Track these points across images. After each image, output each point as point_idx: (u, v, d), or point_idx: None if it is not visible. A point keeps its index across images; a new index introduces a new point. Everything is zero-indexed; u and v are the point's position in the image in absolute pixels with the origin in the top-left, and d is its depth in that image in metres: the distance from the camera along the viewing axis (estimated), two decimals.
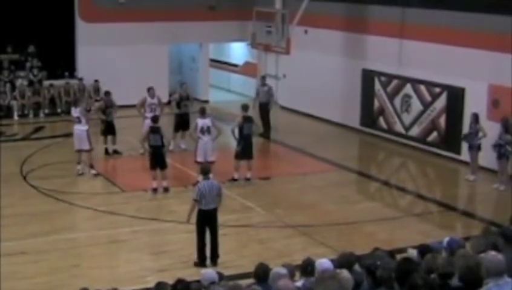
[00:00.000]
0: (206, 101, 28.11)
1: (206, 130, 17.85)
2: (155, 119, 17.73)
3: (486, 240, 8.26)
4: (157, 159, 17.33)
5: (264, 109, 23.08)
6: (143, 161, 18.47)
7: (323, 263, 8.00)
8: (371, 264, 7.57)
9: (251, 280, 8.48)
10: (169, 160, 18.11)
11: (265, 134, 22.41)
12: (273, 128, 23.45)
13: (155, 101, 20.59)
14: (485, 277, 6.61)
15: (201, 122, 17.93)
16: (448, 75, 20.52)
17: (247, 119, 18.41)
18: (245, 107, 18.64)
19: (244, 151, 18.30)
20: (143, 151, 19.52)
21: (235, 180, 18.28)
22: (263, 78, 23.94)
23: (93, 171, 18.68)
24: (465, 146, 19.32)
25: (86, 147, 18.65)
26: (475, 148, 18.56)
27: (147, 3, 26.86)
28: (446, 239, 8.74)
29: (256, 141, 19.64)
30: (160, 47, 27.45)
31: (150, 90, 20.62)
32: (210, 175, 13.90)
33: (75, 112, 19.03)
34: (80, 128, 18.66)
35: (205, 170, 13.68)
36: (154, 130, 17.38)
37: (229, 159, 18.54)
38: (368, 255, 8.32)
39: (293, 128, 24.94)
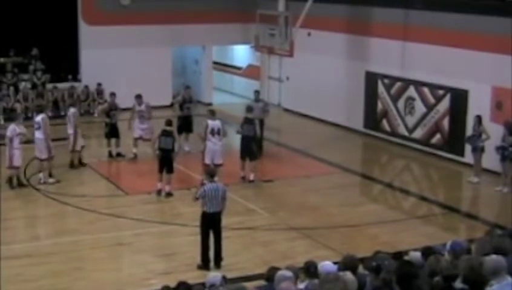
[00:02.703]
0: (210, 104, 28.13)
1: (216, 132, 17.85)
2: (169, 122, 17.64)
3: (490, 242, 8.26)
4: (165, 162, 17.30)
5: (261, 127, 20.05)
6: (146, 164, 18.47)
7: (326, 265, 7.99)
8: (378, 265, 7.58)
9: (255, 283, 8.49)
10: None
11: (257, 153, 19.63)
12: (276, 131, 23.42)
13: (142, 108, 20.54)
14: (489, 279, 6.62)
15: (212, 123, 17.92)
16: (452, 77, 20.51)
17: (248, 121, 18.54)
18: (249, 109, 18.82)
19: (244, 151, 18.47)
20: (133, 156, 20.08)
21: (243, 178, 18.47)
22: (257, 92, 21.82)
23: (51, 180, 18.27)
24: (468, 148, 19.32)
25: (44, 156, 18.27)
26: (478, 151, 18.55)
27: (150, 6, 26.89)
28: (449, 242, 8.72)
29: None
30: (163, 50, 27.49)
31: (137, 97, 20.60)
32: (216, 178, 13.88)
33: (37, 117, 18.67)
34: (38, 137, 18.32)
35: (211, 172, 13.64)
36: (167, 134, 17.34)
37: (234, 160, 18.60)
38: (371, 258, 8.33)
39: (296, 130, 24.96)
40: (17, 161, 17.75)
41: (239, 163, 18.70)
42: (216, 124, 17.93)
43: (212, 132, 17.81)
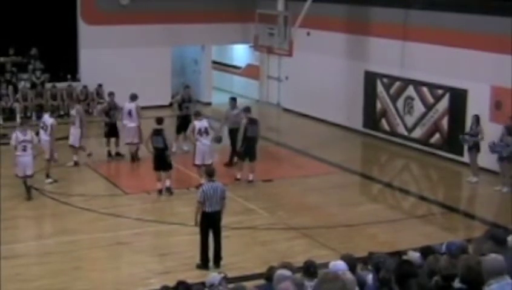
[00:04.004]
0: (209, 103, 28.14)
1: (204, 132, 17.87)
2: (159, 121, 17.66)
3: (488, 243, 8.25)
4: (160, 161, 17.30)
5: (236, 136, 19.08)
6: (145, 164, 18.46)
7: (337, 264, 7.93)
8: (377, 263, 7.57)
9: (254, 282, 8.49)
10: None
11: (230, 162, 19.65)
12: (275, 131, 23.39)
13: (73, 113, 20.31)
14: (487, 278, 6.62)
15: (199, 124, 17.94)
16: (451, 76, 20.51)
17: (252, 121, 18.52)
18: (247, 109, 18.81)
19: (247, 153, 18.41)
20: (87, 156, 19.87)
21: (238, 179, 18.40)
22: (233, 100, 20.13)
23: (48, 181, 18.26)
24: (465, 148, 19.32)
25: (46, 156, 18.28)
26: (473, 150, 18.55)
27: (149, 5, 26.88)
28: (445, 243, 8.69)
29: (259, 143, 19.62)
30: (162, 49, 27.48)
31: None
32: (215, 178, 13.86)
33: (47, 121, 18.56)
34: (44, 138, 18.31)
35: (210, 172, 13.59)
36: (157, 132, 17.36)
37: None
38: (368, 258, 8.32)
39: (295, 130, 24.95)
40: (20, 171, 17.21)
41: (238, 163, 18.68)
42: (203, 124, 17.96)
43: (200, 132, 17.81)
